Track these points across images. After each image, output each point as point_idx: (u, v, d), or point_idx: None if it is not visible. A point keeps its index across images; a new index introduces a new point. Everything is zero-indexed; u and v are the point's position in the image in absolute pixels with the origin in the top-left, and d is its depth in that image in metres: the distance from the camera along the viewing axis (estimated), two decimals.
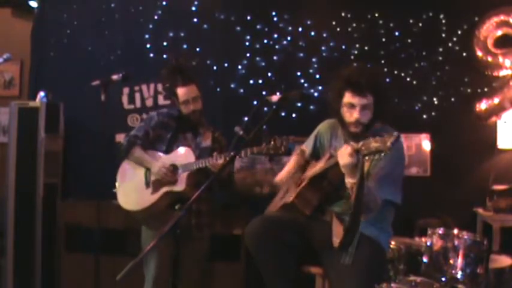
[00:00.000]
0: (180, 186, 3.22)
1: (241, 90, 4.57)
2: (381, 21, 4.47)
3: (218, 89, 4.59)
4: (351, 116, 2.64)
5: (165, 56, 4.52)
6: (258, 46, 4.57)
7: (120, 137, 4.54)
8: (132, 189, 3.40)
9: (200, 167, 3.15)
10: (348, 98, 2.64)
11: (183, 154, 3.29)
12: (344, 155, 2.37)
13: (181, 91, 3.29)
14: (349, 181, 2.42)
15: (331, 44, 4.51)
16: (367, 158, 2.32)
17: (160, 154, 3.38)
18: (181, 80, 3.29)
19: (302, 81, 4.52)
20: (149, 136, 3.41)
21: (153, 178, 3.31)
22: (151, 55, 4.65)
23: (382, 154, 2.25)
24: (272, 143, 2.86)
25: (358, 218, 2.43)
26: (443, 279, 2.85)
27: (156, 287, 3.29)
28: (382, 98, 2.65)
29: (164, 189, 3.26)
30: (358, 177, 2.35)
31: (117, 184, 3.48)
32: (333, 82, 2.75)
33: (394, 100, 4.27)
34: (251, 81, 4.56)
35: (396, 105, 4.38)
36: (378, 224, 2.66)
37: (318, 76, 4.49)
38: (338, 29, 4.51)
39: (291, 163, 2.98)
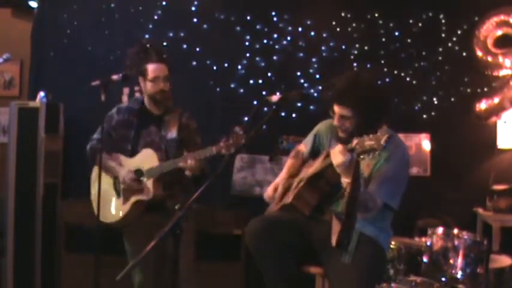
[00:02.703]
0: (146, 195, 3.15)
1: (241, 90, 4.57)
2: (380, 21, 4.46)
3: (218, 89, 4.59)
4: (335, 121, 2.66)
5: (164, 56, 4.51)
6: (258, 46, 4.57)
7: None
8: (104, 200, 3.24)
9: (167, 170, 3.08)
10: (334, 104, 2.66)
11: (146, 157, 3.19)
12: (337, 155, 2.37)
13: (152, 67, 3.19)
14: (344, 180, 2.42)
15: (331, 44, 4.51)
16: (362, 156, 2.32)
17: (125, 158, 3.27)
18: (155, 57, 3.20)
19: (302, 81, 4.52)
20: (112, 137, 3.33)
21: (122, 187, 3.24)
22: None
23: (377, 152, 2.25)
24: (230, 139, 2.83)
25: (352, 216, 2.43)
26: (443, 279, 2.85)
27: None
28: (363, 113, 2.57)
29: (134, 199, 3.19)
30: (352, 176, 2.36)
31: (92, 192, 3.41)
32: (327, 85, 2.77)
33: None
34: (251, 81, 4.56)
35: (396, 105, 4.39)
36: (378, 223, 2.66)
37: (318, 76, 4.49)
38: (338, 29, 4.51)
39: (283, 172, 2.97)
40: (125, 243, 3.31)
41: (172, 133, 3.25)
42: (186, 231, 3.12)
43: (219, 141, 2.88)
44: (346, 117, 2.60)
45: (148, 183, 3.16)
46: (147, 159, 3.19)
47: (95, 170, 3.39)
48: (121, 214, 3.24)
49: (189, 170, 3.05)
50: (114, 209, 3.28)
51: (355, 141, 2.31)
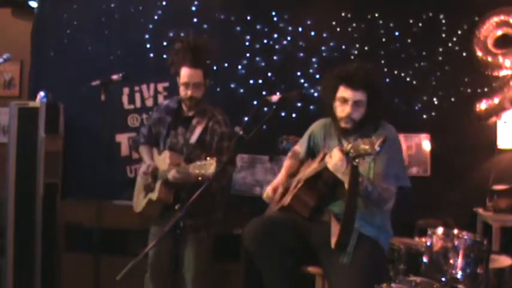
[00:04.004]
0: (154, 195, 3.20)
1: (241, 90, 4.57)
2: (381, 21, 4.46)
3: (218, 89, 4.58)
4: (343, 111, 2.66)
5: (165, 56, 4.53)
6: (258, 46, 4.56)
7: (120, 137, 4.57)
8: (137, 190, 3.44)
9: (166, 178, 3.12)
10: (341, 92, 2.66)
11: (163, 158, 3.25)
12: (332, 161, 2.38)
13: (185, 71, 3.14)
14: (345, 185, 2.43)
15: (331, 44, 4.51)
16: (357, 160, 2.32)
17: (156, 155, 3.38)
18: (190, 60, 3.12)
19: (302, 81, 4.52)
20: (152, 133, 3.42)
21: (144, 182, 3.34)
22: (151, 55, 4.65)
23: (372, 156, 2.25)
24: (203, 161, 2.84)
25: (351, 218, 2.44)
26: (443, 279, 2.85)
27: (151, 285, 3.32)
28: (376, 96, 2.65)
29: (148, 197, 3.27)
30: (349, 180, 2.36)
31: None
32: (327, 76, 2.77)
33: (388, 100, 4.26)
34: (251, 81, 4.56)
35: (396, 105, 4.39)
36: (378, 223, 2.66)
37: (318, 76, 4.48)
38: (338, 29, 4.51)
39: (282, 173, 2.97)
40: (151, 228, 3.38)
41: (194, 137, 3.24)
42: (206, 236, 3.27)
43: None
44: (360, 102, 2.62)
45: (158, 183, 3.20)
46: (163, 160, 3.24)
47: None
48: (139, 209, 3.35)
49: (173, 180, 3.07)
50: (138, 201, 3.39)
51: (349, 146, 2.31)
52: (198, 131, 3.24)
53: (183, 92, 3.20)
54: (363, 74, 2.64)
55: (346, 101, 2.64)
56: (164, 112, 3.37)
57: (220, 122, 3.27)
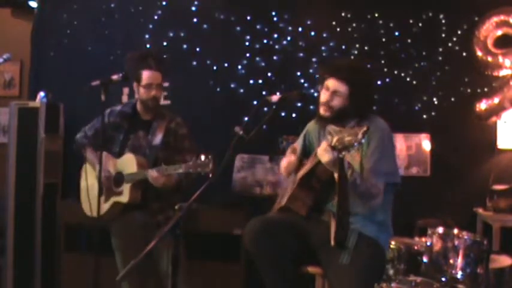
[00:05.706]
0: (124, 198, 3.26)
1: (241, 90, 4.57)
2: (380, 21, 4.46)
3: (218, 89, 4.59)
4: (323, 97, 2.69)
5: (165, 56, 4.52)
6: (258, 46, 4.57)
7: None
8: (90, 193, 3.39)
9: (140, 179, 3.19)
10: (326, 81, 2.71)
11: (127, 161, 3.30)
12: (322, 152, 2.39)
13: (147, 74, 3.31)
14: (336, 177, 2.43)
15: (331, 44, 4.51)
16: (343, 153, 2.33)
17: (112, 158, 3.38)
18: (152, 64, 3.31)
19: (302, 81, 4.52)
20: (99, 136, 3.39)
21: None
22: None
23: (356, 147, 2.26)
24: (199, 160, 2.91)
25: (345, 211, 2.44)
26: (443, 279, 2.85)
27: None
28: (359, 90, 2.66)
29: (113, 199, 3.31)
30: (338, 173, 2.37)
31: (81, 181, 3.53)
32: (320, 68, 2.83)
33: (388, 100, 4.27)
34: (251, 81, 4.56)
35: (396, 105, 4.39)
36: (378, 220, 2.66)
37: (317, 76, 4.48)
38: (338, 29, 4.51)
39: (287, 158, 2.97)
40: (112, 239, 3.39)
41: (157, 139, 3.36)
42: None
43: (189, 160, 3.00)
44: (339, 93, 2.65)
45: (127, 187, 3.26)
46: (127, 163, 3.30)
47: (85, 165, 3.54)
48: (101, 212, 3.29)
49: (153, 182, 3.15)
50: (95, 204, 3.32)
51: (335, 139, 2.32)
52: (160, 133, 3.36)
53: (146, 93, 3.33)
54: (347, 67, 2.70)
55: (327, 89, 2.69)
56: (119, 117, 3.44)
57: (180, 123, 3.44)
